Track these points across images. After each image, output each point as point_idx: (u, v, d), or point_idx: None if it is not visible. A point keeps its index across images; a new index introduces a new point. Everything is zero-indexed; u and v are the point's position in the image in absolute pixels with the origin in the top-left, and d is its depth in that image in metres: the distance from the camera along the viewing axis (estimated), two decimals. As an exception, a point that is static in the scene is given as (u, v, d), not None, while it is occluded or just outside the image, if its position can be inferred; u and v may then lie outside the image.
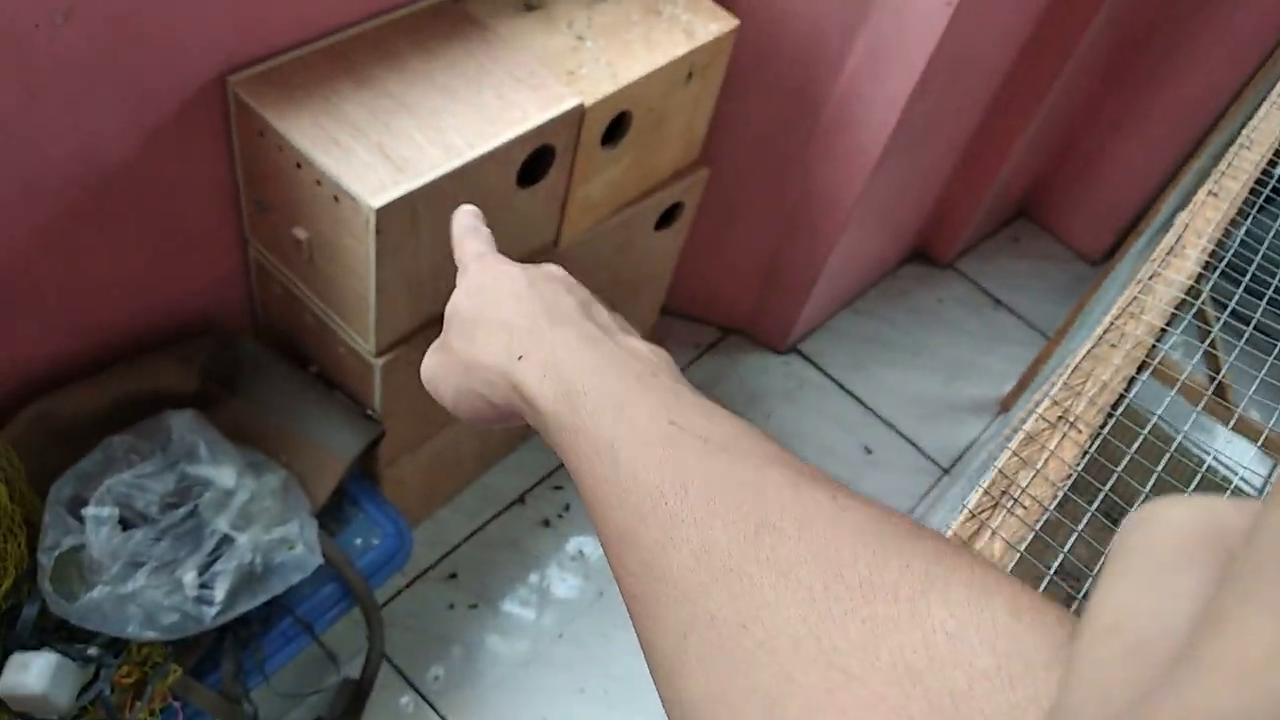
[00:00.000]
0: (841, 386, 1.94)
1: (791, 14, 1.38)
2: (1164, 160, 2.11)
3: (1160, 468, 0.64)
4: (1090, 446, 0.64)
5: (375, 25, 1.06)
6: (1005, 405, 1.98)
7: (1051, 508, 0.58)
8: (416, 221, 0.97)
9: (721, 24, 1.22)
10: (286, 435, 1.10)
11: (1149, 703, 0.16)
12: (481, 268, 0.43)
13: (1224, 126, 1.80)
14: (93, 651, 0.92)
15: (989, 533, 0.58)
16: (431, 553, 1.52)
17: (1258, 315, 0.81)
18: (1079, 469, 0.62)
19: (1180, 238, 0.81)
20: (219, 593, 0.94)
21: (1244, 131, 0.95)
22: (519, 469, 1.64)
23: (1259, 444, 1.12)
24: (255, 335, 1.26)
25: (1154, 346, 0.73)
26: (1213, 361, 1.11)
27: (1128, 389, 0.69)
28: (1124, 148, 2.15)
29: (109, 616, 0.90)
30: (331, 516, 1.13)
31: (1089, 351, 0.71)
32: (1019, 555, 0.56)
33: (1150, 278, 0.77)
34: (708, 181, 1.46)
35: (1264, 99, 1.04)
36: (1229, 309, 0.81)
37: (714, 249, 1.75)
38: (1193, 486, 0.64)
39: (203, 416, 1.03)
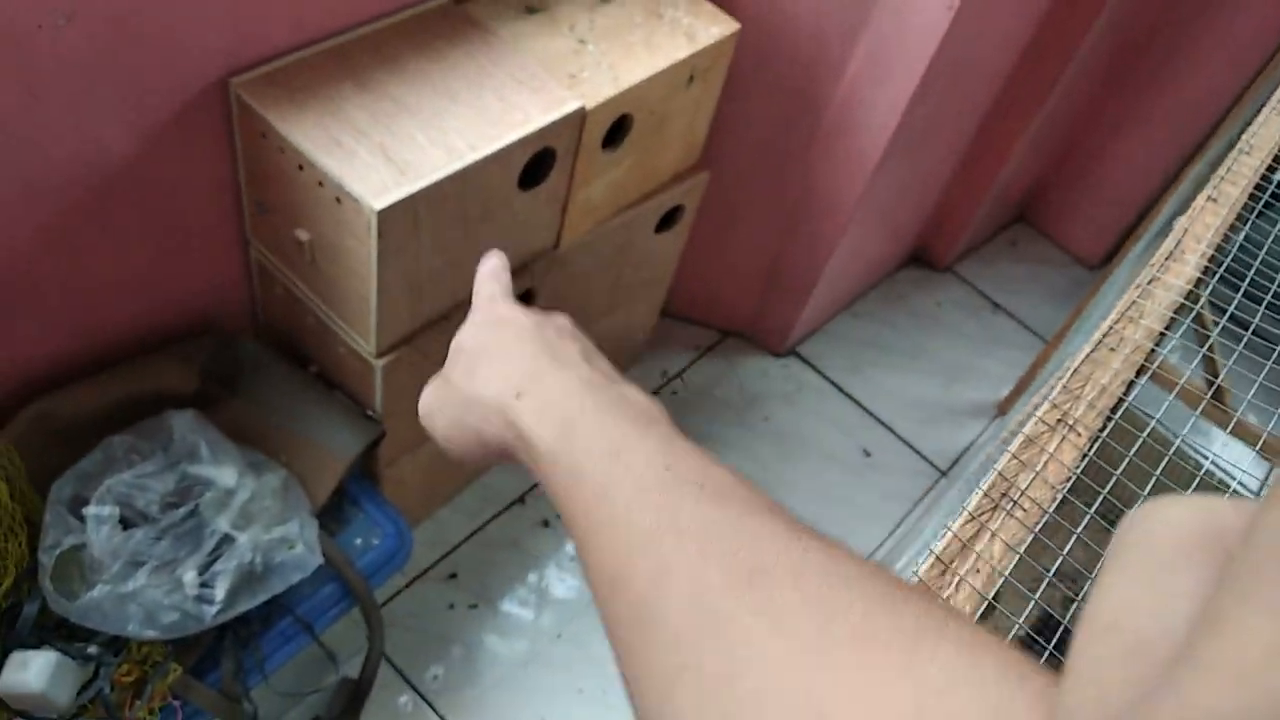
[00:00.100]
0: (840, 389, 1.95)
1: (793, 17, 1.39)
2: (1163, 164, 2.12)
3: (1159, 471, 0.64)
4: (1089, 450, 0.64)
5: (377, 28, 1.07)
6: (1003, 408, 1.98)
7: (1050, 510, 0.59)
8: (418, 223, 0.98)
9: (723, 27, 1.23)
10: (287, 435, 1.11)
11: (1148, 703, 0.16)
12: (491, 308, 0.45)
13: (1223, 131, 1.80)
14: (93, 650, 0.93)
15: (988, 535, 0.58)
16: (431, 553, 1.52)
17: (1256, 320, 0.81)
18: (1078, 472, 0.62)
19: (1179, 242, 0.81)
20: (219, 592, 0.95)
21: (1243, 137, 0.95)
22: (519, 470, 1.64)
23: (1257, 448, 1.12)
24: (256, 335, 1.26)
25: (1153, 351, 0.73)
26: (1211, 366, 1.11)
27: (1126, 393, 0.70)
28: (1124, 150, 2.15)
29: (109, 615, 0.91)
30: (332, 516, 1.13)
31: (1088, 355, 0.71)
32: (1018, 557, 0.56)
33: (1149, 282, 0.77)
34: (708, 184, 1.46)
35: (1264, 104, 1.04)
36: (1228, 314, 0.82)
37: (714, 252, 1.76)
38: (1191, 490, 0.65)
39: (203, 416, 1.03)
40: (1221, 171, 0.91)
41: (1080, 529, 0.59)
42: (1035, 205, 2.37)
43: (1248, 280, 0.83)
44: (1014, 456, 0.62)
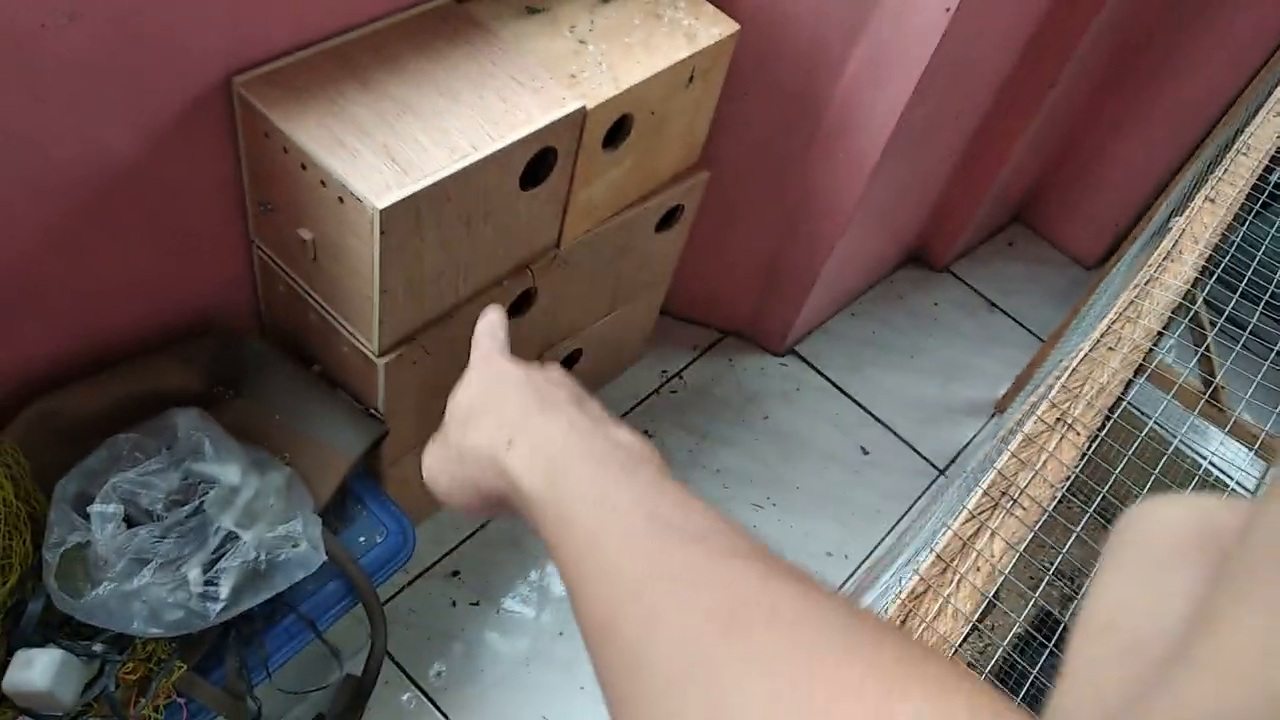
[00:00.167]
0: (839, 388, 1.95)
1: (792, 18, 1.39)
2: (1161, 164, 2.12)
3: (1157, 470, 0.65)
4: (1089, 448, 0.64)
5: (378, 27, 1.07)
6: (1000, 407, 1.99)
7: (1050, 508, 0.59)
8: (420, 222, 0.98)
9: (723, 28, 1.23)
10: (290, 434, 1.11)
11: (1145, 702, 0.16)
12: (485, 365, 0.45)
13: (1219, 132, 1.81)
14: (97, 648, 0.93)
15: (988, 533, 0.58)
16: (434, 550, 1.53)
17: (1254, 320, 0.81)
18: (1077, 470, 0.63)
19: (1177, 243, 0.82)
20: (223, 589, 0.95)
21: (1241, 138, 0.96)
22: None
23: (1255, 448, 1.13)
24: (260, 335, 1.27)
25: (1151, 350, 0.74)
26: (1208, 365, 1.12)
27: (1125, 392, 0.70)
28: (1122, 151, 2.16)
29: (114, 613, 0.91)
30: (335, 514, 1.13)
31: (1087, 355, 0.72)
32: (1018, 555, 0.57)
33: (1147, 282, 0.78)
34: (707, 184, 1.47)
35: (1261, 105, 1.05)
36: (1225, 313, 0.82)
37: (713, 251, 1.76)
38: (1189, 489, 0.65)
39: (208, 415, 1.04)
40: (1219, 172, 0.91)
41: (1080, 527, 0.60)
42: (1033, 205, 2.38)
43: (1245, 280, 0.83)
44: (1014, 455, 0.63)
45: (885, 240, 2.00)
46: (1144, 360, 0.73)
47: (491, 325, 0.49)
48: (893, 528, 1.76)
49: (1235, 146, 0.95)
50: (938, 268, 2.23)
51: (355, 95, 1.00)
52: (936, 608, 0.53)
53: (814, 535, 1.71)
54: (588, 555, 0.33)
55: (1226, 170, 0.91)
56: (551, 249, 1.25)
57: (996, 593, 0.55)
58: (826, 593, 0.29)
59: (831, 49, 1.42)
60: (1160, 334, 0.76)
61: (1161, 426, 0.71)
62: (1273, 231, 0.90)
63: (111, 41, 0.86)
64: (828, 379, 1.96)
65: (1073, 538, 0.58)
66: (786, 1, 1.37)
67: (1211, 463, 0.73)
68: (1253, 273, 0.85)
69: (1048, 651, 0.57)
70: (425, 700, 1.39)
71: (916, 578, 0.54)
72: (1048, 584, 0.57)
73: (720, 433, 1.81)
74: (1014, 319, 2.19)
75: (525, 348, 1.39)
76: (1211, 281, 0.83)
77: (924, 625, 0.52)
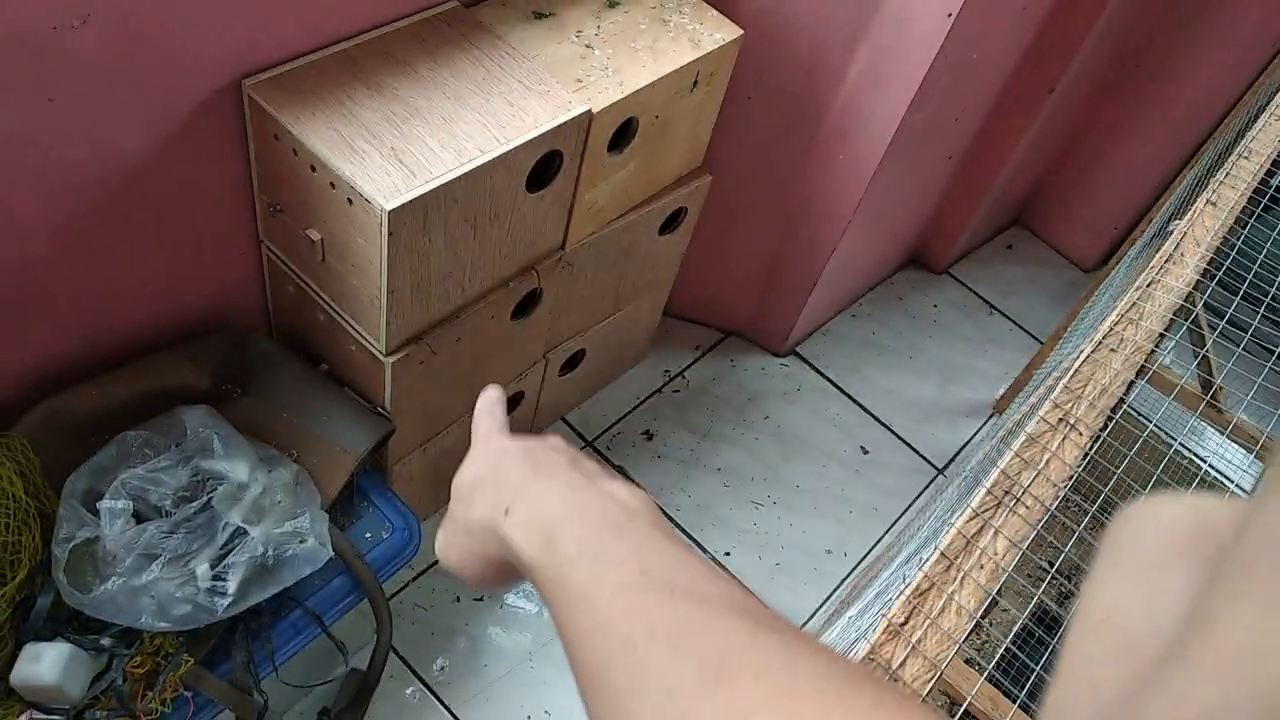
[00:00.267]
0: (839, 389, 1.96)
1: (795, 24, 1.40)
2: (1160, 166, 2.13)
3: (1159, 470, 0.66)
4: (1091, 448, 0.65)
5: (386, 32, 1.08)
6: (999, 408, 2.00)
7: (1053, 507, 0.60)
8: (428, 224, 0.99)
9: (726, 33, 1.24)
10: (298, 431, 1.12)
11: (1140, 699, 0.17)
12: (484, 443, 0.47)
13: (1219, 136, 1.82)
14: (106, 642, 0.94)
15: (992, 531, 0.59)
16: (436, 548, 1.53)
17: (1255, 322, 0.82)
18: (1079, 470, 0.64)
19: (1179, 246, 0.83)
20: (231, 585, 0.96)
21: (1242, 141, 0.97)
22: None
23: (1255, 452, 1.14)
24: (268, 334, 1.28)
25: (1153, 352, 0.74)
26: (1207, 367, 1.13)
27: (1127, 393, 0.71)
28: (1122, 154, 2.16)
29: (122, 608, 0.92)
30: (342, 511, 1.14)
31: (1089, 356, 0.73)
32: (1021, 553, 0.57)
33: (1149, 285, 0.79)
34: (710, 187, 1.48)
35: (1262, 109, 1.05)
36: (1226, 316, 0.83)
37: (716, 253, 1.77)
38: (1190, 489, 0.66)
39: (216, 412, 1.04)
40: (1221, 175, 0.92)
41: (1082, 526, 0.61)
42: (1032, 208, 2.39)
43: (1246, 283, 0.84)
44: (1017, 455, 0.64)
45: (885, 242, 2.01)
46: (1146, 362, 0.74)
47: (490, 404, 0.50)
48: (891, 526, 1.77)
49: (1237, 150, 0.96)
50: (937, 270, 2.24)
51: (364, 98, 1.01)
52: (941, 604, 0.54)
53: (813, 533, 1.72)
54: (582, 610, 0.34)
55: (1228, 174, 0.92)
56: (557, 251, 1.26)
57: (999, 590, 0.56)
58: (811, 643, 0.30)
59: (833, 54, 1.43)
60: (1162, 335, 0.76)
61: (1162, 428, 0.72)
62: (1274, 235, 0.91)
63: (123, 44, 0.87)
64: (828, 379, 1.97)
65: (1074, 536, 0.59)
66: (789, 7, 1.38)
67: (1212, 464, 0.74)
68: (1253, 276, 0.85)
69: (1049, 648, 0.58)
70: (429, 694, 1.40)
71: (921, 574, 0.55)
72: (1050, 581, 0.58)
73: (722, 432, 1.82)
74: (1013, 321, 2.20)
75: (530, 348, 1.40)
76: (1213, 284, 0.84)
77: (928, 621, 0.53)
